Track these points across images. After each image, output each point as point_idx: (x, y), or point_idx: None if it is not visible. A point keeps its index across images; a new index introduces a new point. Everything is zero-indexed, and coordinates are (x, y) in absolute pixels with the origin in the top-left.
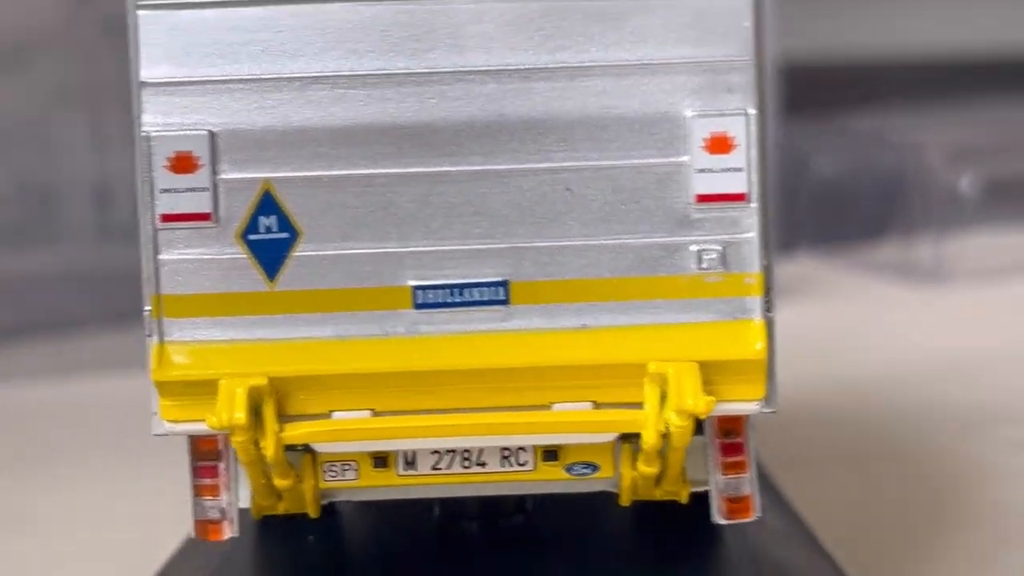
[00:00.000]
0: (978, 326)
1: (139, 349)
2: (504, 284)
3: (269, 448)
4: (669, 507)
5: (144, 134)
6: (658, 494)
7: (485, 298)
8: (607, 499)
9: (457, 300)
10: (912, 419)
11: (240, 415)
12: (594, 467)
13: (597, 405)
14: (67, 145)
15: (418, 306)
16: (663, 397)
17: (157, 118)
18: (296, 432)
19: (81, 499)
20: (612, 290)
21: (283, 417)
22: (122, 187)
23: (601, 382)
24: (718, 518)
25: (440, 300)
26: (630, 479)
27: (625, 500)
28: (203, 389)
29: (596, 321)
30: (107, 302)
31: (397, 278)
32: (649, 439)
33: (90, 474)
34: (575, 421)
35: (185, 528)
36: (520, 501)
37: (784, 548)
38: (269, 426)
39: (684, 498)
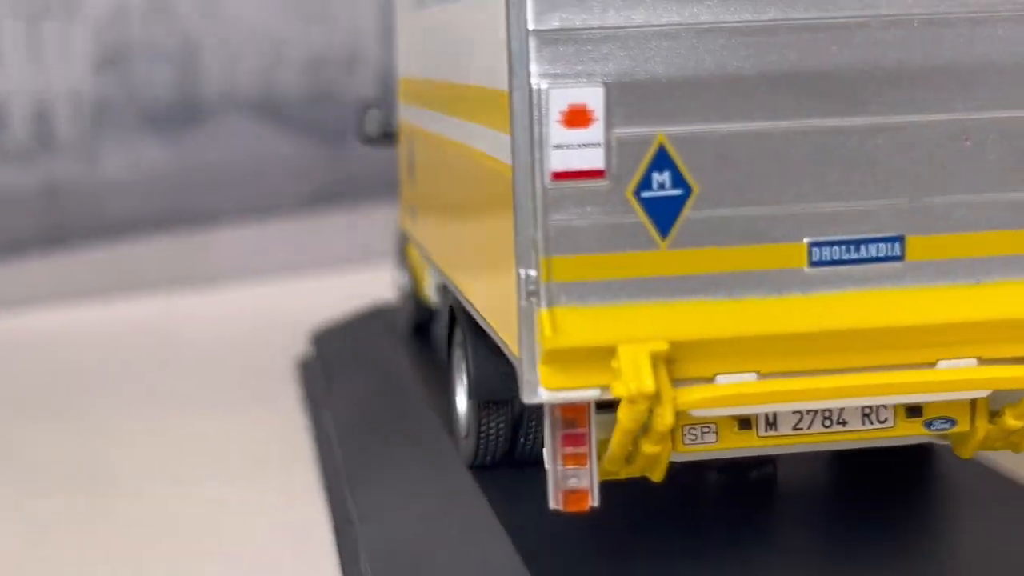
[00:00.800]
0: None
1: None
2: (900, 239)
3: (667, 415)
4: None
5: (536, 86)
6: (999, 445)
7: (881, 254)
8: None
9: (853, 257)
10: None
11: (649, 382)
12: (953, 422)
13: (981, 361)
14: None
15: (813, 264)
16: None
17: (548, 68)
18: (696, 397)
19: None
20: (1007, 244)
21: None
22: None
23: (989, 337)
24: None
25: (836, 257)
26: (983, 432)
27: (970, 452)
28: (593, 355)
29: (990, 276)
30: None
31: (792, 235)
32: None
33: None
34: (971, 379)
35: None
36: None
37: None
38: (667, 393)
39: (1023, 448)
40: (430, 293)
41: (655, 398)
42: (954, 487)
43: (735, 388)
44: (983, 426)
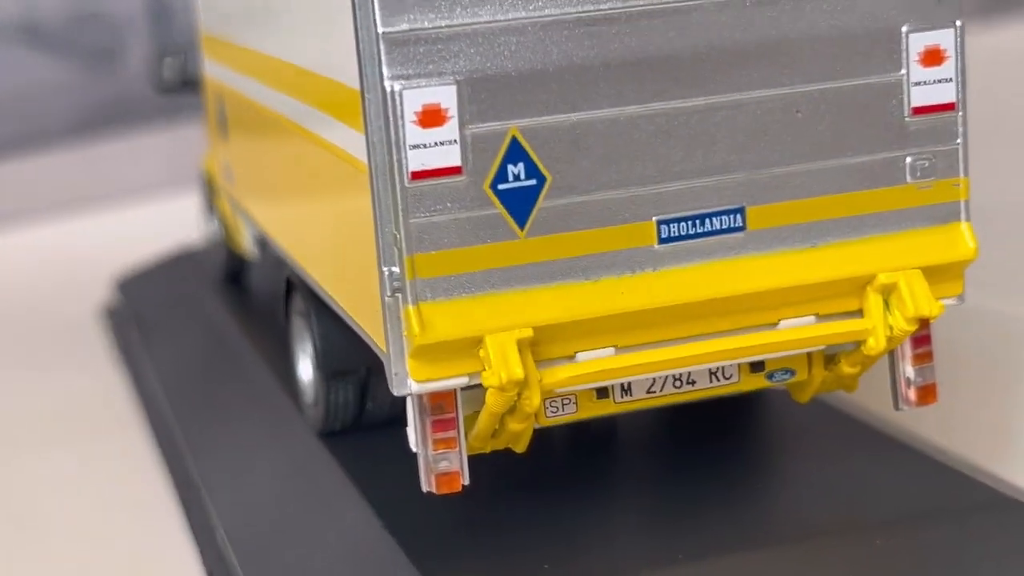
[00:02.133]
0: None
1: None
2: (741, 211)
3: (535, 398)
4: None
5: (389, 88)
6: (833, 387)
7: (724, 227)
8: None
9: (699, 231)
10: None
11: (518, 370)
12: (792, 372)
13: (820, 317)
14: None
15: (662, 240)
16: (885, 304)
17: (400, 71)
18: (560, 377)
19: None
20: (837, 207)
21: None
22: None
23: (824, 295)
24: (904, 406)
25: (683, 233)
26: (820, 379)
27: (807, 397)
28: (460, 345)
29: (824, 239)
30: None
31: (641, 215)
32: (879, 345)
33: None
34: (812, 336)
35: None
36: None
37: None
38: (533, 376)
39: (855, 388)
40: (247, 244)
41: (523, 383)
42: (789, 424)
43: (597, 364)
44: (819, 374)
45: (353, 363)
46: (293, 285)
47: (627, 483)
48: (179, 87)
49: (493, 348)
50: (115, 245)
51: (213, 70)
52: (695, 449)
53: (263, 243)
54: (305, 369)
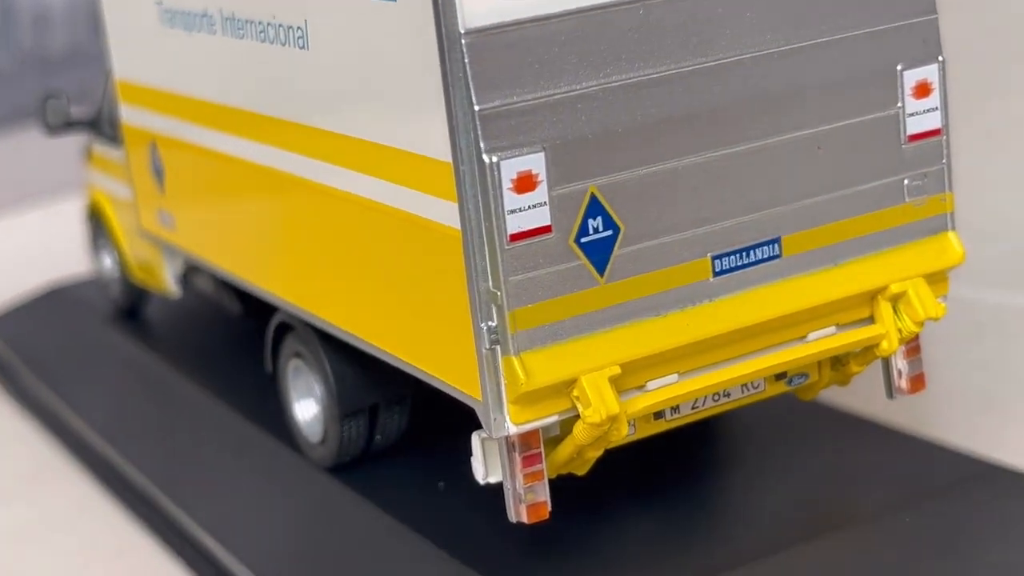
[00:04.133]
0: None
1: None
2: (778, 240)
3: (623, 429)
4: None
5: (488, 160)
6: (830, 384)
7: (765, 256)
8: None
9: (745, 263)
10: None
11: (615, 406)
12: (806, 376)
13: (839, 327)
14: None
15: (716, 274)
16: (894, 310)
17: (495, 143)
18: (640, 407)
19: None
20: (853, 228)
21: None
22: None
23: (843, 307)
24: (897, 394)
25: (732, 266)
26: (828, 379)
27: (813, 395)
28: (554, 388)
29: (844, 257)
30: None
31: (698, 252)
32: (892, 347)
33: None
34: (836, 345)
35: None
36: None
37: None
38: (621, 410)
39: (848, 383)
40: (165, 281)
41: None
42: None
43: (669, 391)
44: (827, 374)
45: (367, 400)
46: (288, 330)
47: (633, 492)
48: (64, 128)
49: (590, 387)
50: None
51: (142, 119)
52: (686, 457)
53: (186, 281)
54: (306, 409)
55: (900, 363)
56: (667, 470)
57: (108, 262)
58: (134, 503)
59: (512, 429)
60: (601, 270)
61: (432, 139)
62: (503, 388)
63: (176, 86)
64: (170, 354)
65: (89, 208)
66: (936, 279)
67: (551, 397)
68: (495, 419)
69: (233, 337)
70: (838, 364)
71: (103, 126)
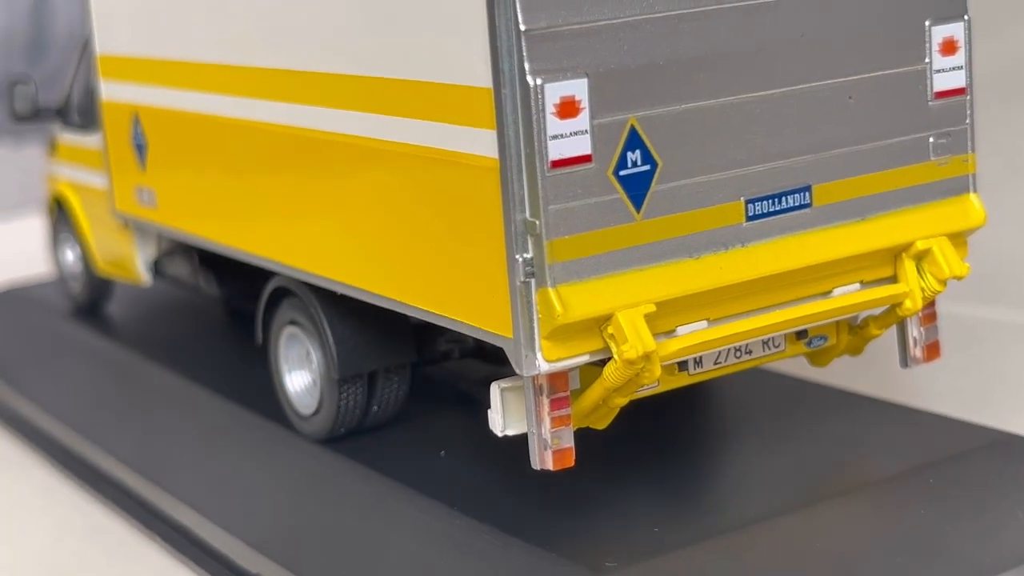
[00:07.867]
0: None
1: None
2: (808, 189)
3: (656, 370)
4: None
5: (532, 83)
6: (843, 353)
7: (796, 204)
8: None
9: (777, 209)
10: None
11: (651, 342)
12: (826, 338)
13: (863, 284)
14: None
15: (749, 218)
16: (918, 269)
17: (539, 65)
18: (672, 350)
19: None
20: (880, 183)
21: None
22: None
23: (867, 263)
24: (914, 364)
25: (765, 211)
26: (844, 344)
27: (828, 362)
28: (588, 324)
29: (871, 212)
30: None
31: (733, 195)
32: (916, 306)
33: None
34: (861, 301)
35: None
36: None
37: None
38: (655, 349)
39: (861, 352)
40: (137, 270)
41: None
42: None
43: (699, 336)
44: (844, 339)
45: (367, 365)
46: (284, 296)
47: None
48: (33, 115)
49: (626, 323)
50: None
51: (124, 92)
52: (703, 421)
53: (157, 270)
54: (299, 379)
55: (916, 330)
56: (679, 436)
57: (70, 256)
58: (104, 487)
59: (544, 366)
60: (638, 205)
61: (470, 65)
62: (536, 323)
63: (166, 52)
64: (135, 344)
65: (51, 202)
66: (956, 241)
67: (583, 335)
68: (526, 356)
69: (199, 327)
70: (856, 329)
71: (71, 114)
